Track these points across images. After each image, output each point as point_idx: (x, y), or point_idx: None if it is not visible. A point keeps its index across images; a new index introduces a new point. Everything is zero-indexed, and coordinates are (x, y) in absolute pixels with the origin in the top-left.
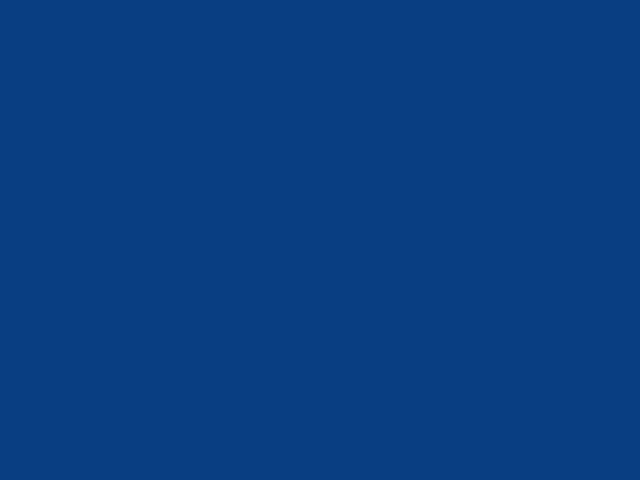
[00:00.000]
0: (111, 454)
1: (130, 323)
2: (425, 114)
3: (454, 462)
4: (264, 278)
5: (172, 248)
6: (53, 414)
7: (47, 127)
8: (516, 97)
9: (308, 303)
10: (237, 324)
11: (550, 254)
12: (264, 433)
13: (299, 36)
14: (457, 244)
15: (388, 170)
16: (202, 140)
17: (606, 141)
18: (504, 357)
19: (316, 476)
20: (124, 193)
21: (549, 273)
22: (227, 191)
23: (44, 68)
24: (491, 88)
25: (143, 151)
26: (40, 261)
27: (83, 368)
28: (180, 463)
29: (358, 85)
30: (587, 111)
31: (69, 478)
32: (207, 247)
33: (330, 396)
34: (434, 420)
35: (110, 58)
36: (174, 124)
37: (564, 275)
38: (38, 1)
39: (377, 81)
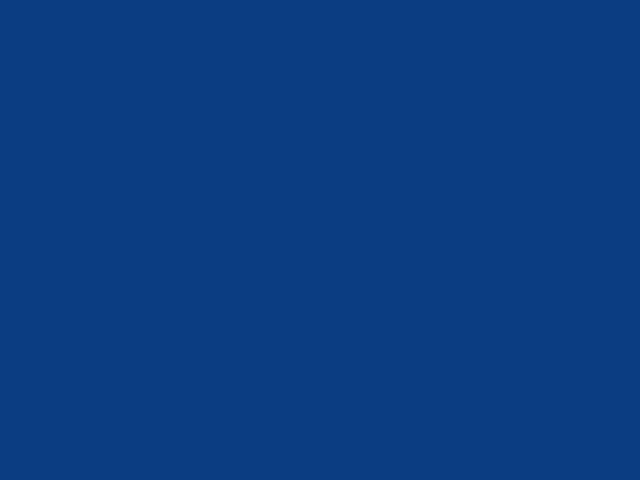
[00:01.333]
0: (111, 454)
1: (130, 323)
2: (425, 114)
3: (454, 462)
4: (264, 278)
5: (172, 248)
6: (53, 414)
7: (47, 127)
8: (516, 97)
9: (308, 303)
10: (237, 324)
11: (550, 254)
12: (264, 433)
13: (299, 36)
14: (457, 244)
15: (388, 170)
16: (202, 140)
17: (606, 141)
18: (504, 357)
19: (316, 476)
20: (124, 193)
21: (549, 273)
22: (227, 191)
23: (44, 68)
24: (491, 88)
25: (143, 150)
26: (40, 261)
27: (83, 368)
28: (180, 463)
29: (358, 85)
30: (587, 111)
31: (69, 478)
32: (207, 247)
33: (330, 396)
34: (434, 420)
35: (110, 58)
36: (174, 124)
37: (564, 275)
38: (38, 1)
39: (377, 81)
